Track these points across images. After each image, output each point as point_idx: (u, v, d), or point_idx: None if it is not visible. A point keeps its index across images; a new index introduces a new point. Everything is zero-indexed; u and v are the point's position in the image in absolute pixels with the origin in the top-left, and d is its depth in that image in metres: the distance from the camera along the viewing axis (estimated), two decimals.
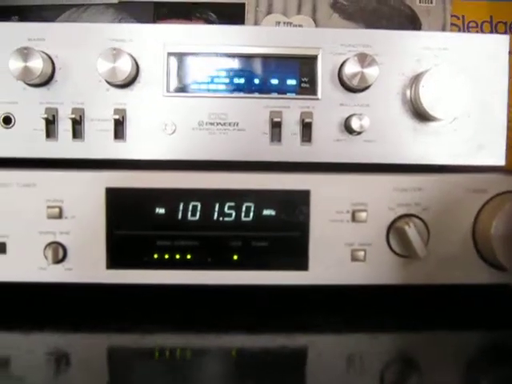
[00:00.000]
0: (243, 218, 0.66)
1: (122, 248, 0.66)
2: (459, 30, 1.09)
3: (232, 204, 0.66)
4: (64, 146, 0.69)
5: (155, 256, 0.66)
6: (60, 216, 0.65)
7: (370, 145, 0.70)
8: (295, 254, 0.67)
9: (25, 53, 0.65)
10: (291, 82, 0.70)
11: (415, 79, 0.70)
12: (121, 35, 0.69)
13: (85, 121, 0.69)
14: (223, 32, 0.70)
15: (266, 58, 0.70)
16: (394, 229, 0.66)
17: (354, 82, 0.68)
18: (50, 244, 0.65)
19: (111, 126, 0.69)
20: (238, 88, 0.70)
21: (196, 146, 0.70)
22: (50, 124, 0.69)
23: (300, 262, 0.67)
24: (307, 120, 0.69)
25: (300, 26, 1.05)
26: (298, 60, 0.70)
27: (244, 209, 0.66)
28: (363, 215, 0.66)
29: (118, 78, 0.67)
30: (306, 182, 0.67)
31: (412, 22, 1.06)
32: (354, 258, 0.67)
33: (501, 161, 0.72)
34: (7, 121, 0.68)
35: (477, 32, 1.09)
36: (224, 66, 0.70)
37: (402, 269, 0.67)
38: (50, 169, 0.67)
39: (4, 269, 0.66)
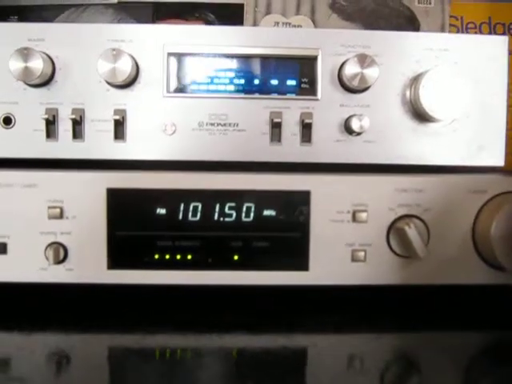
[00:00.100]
0: (244, 219, 0.66)
1: (123, 248, 0.66)
2: (458, 31, 1.09)
3: (233, 204, 0.66)
4: (64, 147, 0.69)
5: (156, 256, 0.66)
6: (61, 216, 0.65)
7: (369, 145, 0.70)
8: (296, 254, 0.67)
9: (25, 53, 0.65)
10: (291, 82, 0.70)
11: (415, 80, 0.70)
12: (121, 36, 0.69)
13: (85, 121, 0.69)
14: (223, 32, 0.70)
15: (266, 58, 0.70)
16: (395, 229, 0.66)
17: (354, 83, 0.68)
18: (50, 244, 0.65)
19: (111, 126, 0.69)
20: (238, 89, 0.70)
21: (196, 146, 0.70)
22: (50, 124, 0.69)
23: (300, 262, 0.67)
24: (307, 120, 0.69)
25: (299, 26, 1.05)
26: (297, 61, 0.70)
27: (244, 209, 0.66)
28: (364, 215, 0.66)
29: (118, 79, 0.67)
30: (306, 183, 0.67)
31: (410, 23, 1.06)
32: (355, 259, 0.67)
33: (500, 161, 0.72)
34: (7, 121, 0.68)
35: (475, 33, 1.09)
36: (224, 66, 0.70)
37: (403, 269, 0.67)
38: (51, 169, 0.67)
39: (5, 269, 0.66)
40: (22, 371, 0.55)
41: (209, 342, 0.62)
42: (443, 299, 0.73)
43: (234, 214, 0.66)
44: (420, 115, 0.70)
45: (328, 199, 0.67)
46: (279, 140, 0.70)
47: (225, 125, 0.70)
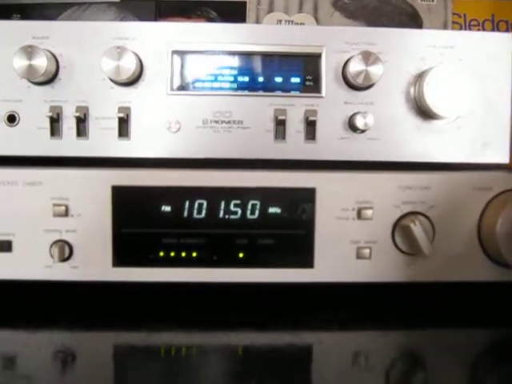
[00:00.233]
0: (249, 216, 0.66)
1: (128, 246, 0.66)
2: (461, 28, 1.09)
3: (238, 202, 0.66)
4: (68, 145, 0.69)
5: (161, 254, 0.66)
6: (66, 214, 0.65)
7: (373, 143, 0.70)
8: (301, 251, 0.67)
9: (29, 51, 0.65)
10: (295, 80, 0.70)
11: (419, 77, 0.70)
12: (125, 33, 0.69)
13: (89, 119, 0.69)
14: (228, 30, 0.70)
15: (270, 56, 0.70)
16: (400, 226, 0.66)
17: (359, 80, 0.68)
18: (55, 242, 0.65)
19: (115, 124, 0.69)
20: (243, 86, 0.70)
21: (200, 144, 0.70)
22: (55, 122, 0.69)
23: (305, 259, 0.67)
24: (311, 118, 0.69)
25: (301, 24, 1.05)
26: (302, 58, 0.70)
27: (250, 207, 0.66)
28: (369, 213, 0.66)
29: (122, 77, 0.67)
30: (311, 180, 0.67)
31: (413, 20, 1.06)
32: (360, 256, 0.67)
33: (505, 158, 0.72)
34: (12, 119, 0.68)
35: (478, 30, 1.09)
36: (228, 64, 0.70)
37: (408, 266, 0.67)
38: (56, 167, 0.67)
39: (10, 267, 0.66)
40: (27, 369, 0.55)
41: (214, 339, 0.63)
42: (449, 296, 0.73)
43: (239, 212, 0.66)
44: (424, 112, 0.70)
45: (333, 196, 0.67)
46: (283, 137, 0.70)
47: (229, 122, 0.70)
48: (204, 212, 0.66)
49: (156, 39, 0.69)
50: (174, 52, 0.69)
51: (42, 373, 0.54)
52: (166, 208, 0.66)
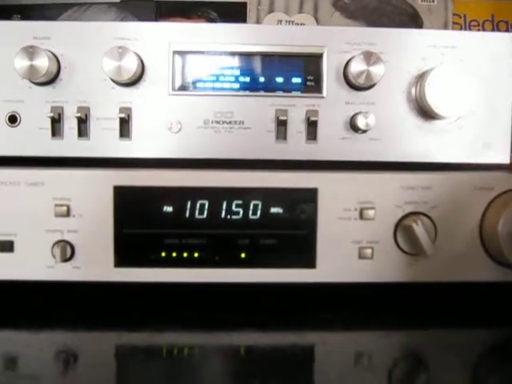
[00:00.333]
0: (251, 216, 0.66)
1: (130, 246, 0.66)
2: (461, 29, 1.09)
3: (240, 202, 0.66)
4: (69, 145, 0.69)
5: (163, 254, 0.66)
6: (68, 214, 0.65)
7: (375, 143, 0.70)
8: (303, 251, 0.67)
9: (30, 51, 0.65)
10: (296, 80, 0.70)
11: (420, 77, 0.70)
12: (126, 34, 0.69)
13: (90, 119, 0.69)
14: (229, 30, 0.70)
15: (271, 56, 0.70)
16: (402, 227, 0.66)
17: (360, 81, 0.68)
18: (57, 242, 0.65)
19: (117, 124, 0.69)
20: (244, 86, 0.70)
21: (201, 144, 0.70)
22: (56, 123, 0.69)
23: (308, 259, 0.67)
24: (313, 118, 0.69)
25: (302, 24, 1.05)
26: (303, 58, 0.70)
27: (252, 207, 0.66)
28: (371, 213, 0.66)
29: (123, 77, 0.67)
30: (313, 180, 0.67)
31: (413, 21, 1.06)
32: (362, 256, 0.67)
33: (506, 159, 0.72)
34: (13, 119, 0.68)
35: (478, 30, 1.09)
36: (229, 64, 0.70)
37: (410, 267, 0.67)
38: (58, 167, 0.67)
39: (12, 267, 0.66)
40: (29, 369, 0.55)
41: (217, 339, 0.63)
42: (451, 297, 0.73)
43: (241, 212, 0.66)
44: (426, 112, 0.70)
45: (335, 197, 0.67)
46: (285, 138, 0.70)
47: (230, 122, 0.70)
48: (206, 212, 0.66)
49: (157, 39, 0.69)
50: (176, 52, 0.69)
51: (45, 373, 0.54)
52: (168, 208, 0.66)
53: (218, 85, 0.70)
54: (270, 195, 0.66)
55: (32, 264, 0.66)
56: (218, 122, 0.70)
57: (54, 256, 0.65)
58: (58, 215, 0.65)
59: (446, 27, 1.06)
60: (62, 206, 0.65)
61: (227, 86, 0.70)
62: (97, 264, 0.66)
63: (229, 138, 0.70)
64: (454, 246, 0.67)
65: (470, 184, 0.67)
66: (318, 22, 1.05)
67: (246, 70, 0.70)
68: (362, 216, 0.67)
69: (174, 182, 0.66)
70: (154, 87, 0.69)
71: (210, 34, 0.70)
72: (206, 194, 0.66)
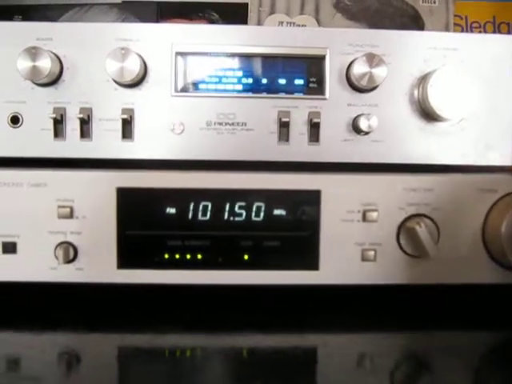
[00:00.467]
0: (254, 218, 0.66)
1: (133, 248, 0.66)
2: (462, 30, 1.09)
3: (243, 204, 0.66)
4: (72, 146, 0.69)
5: (166, 256, 0.66)
6: (71, 216, 0.65)
7: (377, 145, 0.70)
8: (306, 253, 0.67)
9: (33, 52, 0.65)
10: (299, 81, 0.70)
11: (423, 79, 0.70)
12: (129, 35, 0.69)
13: (93, 120, 0.69)
14: (232, 32, 0.70)
15: (274, 57, 0.70)
16: (405, 229, 0.66)
17: (363, 83, 0.68)
18: (60, 244, 0.65)
19: (119, 125, 0.69)
20: (246, 88, 0.70)
21: (204, 145, 0.70)
22: (58, 123, 0.68)
23: (311, 261, 0.67)
24: (315, 120, 0.69)
25: (303, 25, 1.05)
26: (305, 60, 0.70)
27: (254, 209, 0.66)
28: (374, 215, 0.66)
29: (126, 78, 0.67)
30: (316, 182, 0.67)
31: (415, 22, 1.06)
32: (365, 258, 0.67)
33: (508, 161, 0.72)
34: (15, 120, 0.68)
35: (480, 32, 1.09)
36: (232, 65, 0.70)
37: (413, 268, 0.68)
38: (61, 168, 0.67)
39: (15, 268, 0.66)
40: (32, 370, 0.55)
41: (219, 341, 0.63)
42: (453, 298, 0.73)
43: (244, 214, 0.66)
44: (428, 114, 0.70)
45: (338, 198, 0.67)
46: (287, 139, 0.70)
47: (233, 124, 0.70)
48: (209, 214, 0.66)
49: (160, 41, 0.69)
50: (178, 53, 0.69)
51: (47, 374, 0.54)
52: (171, 210, 0.66)
53: (220, 86, 0.70)
54: (272, 197, 0.66)
55: (35, 265, 0.66)
56: (220, 124, 0.70)
57: (56, 257, 0.65)
58: (60, 217, 0.65)
59: (447, 28, 1.06)
60: (65, 207, 0.65)
61: (230, 87, 0.70)
62: (100, 265, 0.66)
63: (231, 140, 0.70)
64: (457, 248, 0.68)
65: (472, 186, 0.67)
66: (319, 23, 1.05)
67: (249, 72, 0.70)
68: (364, 218, 0.67)
69: (176, 184, 0.66)
70: (157, 88, 0.69)
71: (213, 35, 0.70)
72: (209, 195, 0.66)
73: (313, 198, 0.66)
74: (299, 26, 1.05)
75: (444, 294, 0.72)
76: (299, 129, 0.70)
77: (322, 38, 0.70)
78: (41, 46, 0.66)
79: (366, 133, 0.69)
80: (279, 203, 0.66)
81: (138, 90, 0.69)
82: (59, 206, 0.65)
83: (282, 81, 0.70)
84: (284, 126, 0.70)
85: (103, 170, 0.66)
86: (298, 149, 0.70)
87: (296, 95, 0.70)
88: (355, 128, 0.70)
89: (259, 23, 1.05)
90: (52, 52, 0.67)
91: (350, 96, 0.70)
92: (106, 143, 0.69)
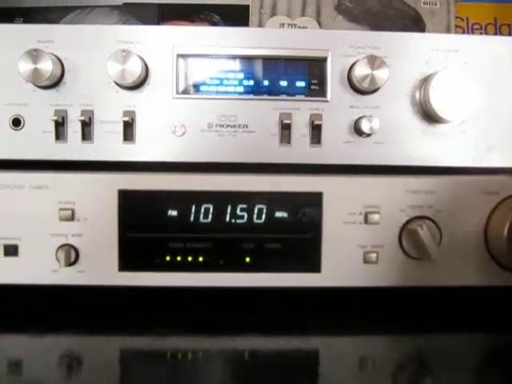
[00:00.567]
0: (255, 220, 0.66)
1: (134, 250, 0.66)
2: (463, 32, 1.09)
3: (244, 206, 0.66)
4: (73, 148, 0.69)
5: (167, 258, 0.66)
6: (72, 218, 0.65)
7: (379, 147, 0.70)
8: (308, 256, 0.67)
9: (34, 55, 0.65)
10: (300, 83, 0.70)
11: (424, 81, 0.70)
12: (130, 37, 0.69)
13: (94, 123, 0.69)
14: (233, 34, 0.70)
15: (275, 59, 0.70)
16: (407, 231, 0.66)
17: (364, 84, 0.68)
18: (62, 246, 0.65)
19: (120, 127, 0.69)
20: (248, 90, 0.70)
21: (205, 147, 0.70)
22: (60, 126, 0.68)
23: (312, 263, 0.67)
24: (317, 122, 0.69)
25: (304, 27, 1.05)
26: (307, 62, 0.70)
27: (256, 211, 0.66)
28: (376, 217, 0.66)
29: (127, 80, 0.66)
30: (318, 184, 0.67)
31: (416, 24, 1.06)
32: (367, 260, 0.67)
33: (510, 162, 0.72)
34: (17, 123, 0.68)
35: (481, 34, 1.09)
36: (233, 67, 0.70)
37: (415, 271, 0.67)
38: (62, 171, 0.67)
39: (16, 271, 0.66)
40: (34, 373, 0.55)
41: (221, 343, 0.62)
42: (456, 301, 0.73)
43: (246, 216, 0.66)
44: (430, 116, 0.70)
45: (340, 201, 0.67)
46: (289, 141, 0.70)
47: (234, 126, 0.70)
48: (210, 216, 0.66)
49: (161, 43, 0.69)
50: (179, 56, 0.69)
51: (49, 377, 0.54)
52: (173, 212, 0.66)
53: (221, 88, 0.70)
54: (274, 199, 0.66)
55: (36, 268, 0.66)
56: (221, 126, 0.70)
57: (58, 260, 0.65)
58: (62, 219, 0.65)
59: (448, 30, 1.05)
60: (66, 209, 0.65)
61: (231, 89, 0.70)
62: (101, 268, 0.66)
63: (233, 142, 0.70)
64: (459, 250, 0.67)
65: (474, 188, 0.67)
66: (320, 25, 1.05)
67: (250, 74, 0.70)
68: (366, 220, 0.67)
69: (178, 186, 0.66)
70: (158, 91, 0.69)
71: (214, 37, 0.70)
72: (211, 197, 0.66)
73: (315, 200, 0.66)
74: (300, 27, 1.05)
75: (446, 296, 0.72)
76: (301, 131, 0.70)
77: (324, 40, 0.70)
78: (42, 48, 0.66)
79: (368, 135, 0.69)
80: (281, 205, 0.66)
81: (139, 93, 0.69)
82: (61, 209, 0.65)
83: (284, 83, 0.70)
84: (285, 128, 0.70)
85: (104, 173, 0.66)
86: (300, 151, 0.70)
87: (297, 97, 0.70)
88: (357, 130, 0.70)
89: (260, 25, 1.05)
90: (53, 54, 0.67)
91: (352, 98, 0.70)
92: (108, 145, 0.69)
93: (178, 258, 0.66)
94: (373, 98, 0.70)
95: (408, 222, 0.67)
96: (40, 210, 0.65)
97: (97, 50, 0.68)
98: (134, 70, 0.66)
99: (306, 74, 0.70)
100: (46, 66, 0.65)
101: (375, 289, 0.68)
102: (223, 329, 0.65)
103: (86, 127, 0.69)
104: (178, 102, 0.69)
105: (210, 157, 0.70)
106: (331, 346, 0.63)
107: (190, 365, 0.59)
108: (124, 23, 1.08)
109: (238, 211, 0.66)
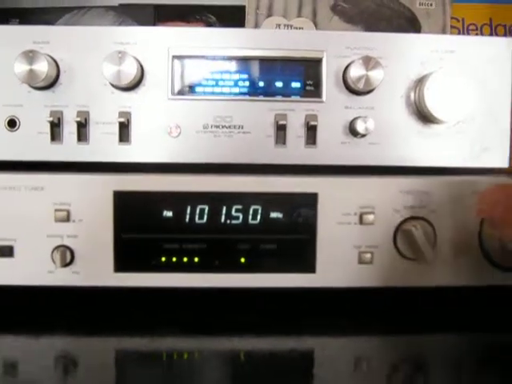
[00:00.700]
0: (251, 221, 0.66)
1: (130, 251, 0.66)
2: (459, 33, 1.09)
3: (239, 207, 0.66)
4: (69, 149, 0.69)
5: (163, 259, 0.66)
6: (68, 219, 0.65)
7: (374, 147, 0.71)
8: (303, 256, 0.67)
9: (30, 56, 0.65)
10: (296, 84, 0.70)
11: (419, 82, 0.70)
12: (126, 38, 0.69)
13: (90, 124, 0.69)
14: (228, 35, 0.70)
15: (270, 60, 0.70)
16: (401, 231, 0.67)
17: (359, 85, 0.68)
18: (57, 247, 0.65)
19: (116, 128, 0.69)
20: (243, 91, 0.70)
21: (201, 148, 0.70)
22: (55, 127, 0.69)
23: (307, 264, 0.67)
24: (312, 123, 0.69)
25: (300, 28, 1.05)
26: (302, 63, 0.70)
27: (251, 212, 0.66)
28: (371, 218, 0.66)
29: (123, 81, 0.67)
30: (313, 185, 0.67)
31: (412, 25, 1.06)
32: (362, 261, 0.67)
33: (505, 163, 0.72)
34: (12, 124, 0.68)
35: (476, 34, 1.09)
36: (229, 68, 0.70)
37: (409, 271, 0.68)
38: (58, 172, 0.67)
39: (12, 272, 0.66)
40: (30, 374, 0.55)
41: (216, 344, 0.63)
42: (450, 301, 0.73)
43: (241, 217, 0.66)
44: (425, 117, 0.70)
45: (335, 201, 0.67)
46: (284, 142, 0.70)
47: (230, 127, 0.70)
48: (206, 217, 0.66)
49: (156, 44, 0.69)
50: (175, 57, 0.69)
51: (44, 378, 0.54)
52: (168, 213, 0.66)
53: (217, 89, 0.70)
54: (269, 200, 0.66)
55: (32, 269, 0.66)
56: (217, 127, 0.70)
57: (53, 261, 0.65)
58: (57, 220, 0.65)
59: (444, 31, 1.05)
60: (61, 210, 0.65)
61: (227, 90, 0.70)
62: (96, 269, 0.66)
63: (228, 143, 0.70)
64: (454, 250, 0.67)
65: (469, 188, 0.67)
66: (316, 26, 1.05)
67: (246, 75, 0.70)
68: (361, 221, 0.67)
69: (173, 187, 0.66)
70: (154, 91, 0.69)
71: (210, 38, 0.70)
72: (206, 198, 0.66)
73: (310, 200, 0.66)
74: (296, 28, 1.05)
75: (441, 296, 0.72)
76: (296, 132, 0.70)
77: (319, 41, 0.70)
78: (37, 49, 0.67)
79: (363, 135, 0.70)
80: (276, 206, 0.66)
81: (134, 94, 0.69)
82: (56, 210, 0.65)
83: (279, 84, 0.70)
84: (281, 129, 0.70)
85: (100, 174, 0.66)
86: (295, 152, 0.70)
87: (293, 98, 0.70)
88: (352, 131, 0.70)
89: (256, 26, 1.05)
90: (49, 55, 0.67)
91: (347, 99, 0.70)
92: (103, 146, 0.69)
93: (174, 259, 0.66)
94: (368, 98, 0.70)
95: (402, 222, 0.67)
96: (35, 211, 0.65)
97: (92, 51, 0.69)
98: (130, 71, 0.66)
99: (301, 75, 0.70)
100: (42, 67, 0.65)
101: (370, 289, 0.68)
102: (219, 329, 0.65)
103: (82, 128, 0.69)
104: (173, 103, 0.70)
105: (206, 158, 0.70)
106: (326, 347, 0.63)
107: (185, 365, 0.59)
108: (120, 24, 1.08)
109: (234, 212, 0.66)
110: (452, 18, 1.07)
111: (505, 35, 1.09)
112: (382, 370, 0.59)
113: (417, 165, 0.71)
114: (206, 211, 0.66)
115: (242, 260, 0.67)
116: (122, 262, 0.66)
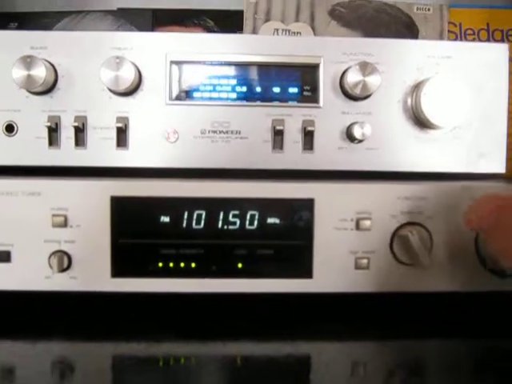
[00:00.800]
0: (248, 227, 0.66)
1: (127, 256, 0.66)
2: (456, 38, 1.09)
3: (236, 212, 0.66)
4: (66, 154, 0.69)
5: (160, 264, 0.66)
6: (65, 224, 0.65)
7: (371, 153, 0.71)
8: (299, 262, 0.67)
9: (28, 61, 0.65)
10: (293, 90, 0.71)
11: (416, 87, 0.70)
12: (123, 43, 0.69)
13: (87, 129, 0.69)
14: (226, 40, 0.71)
15: (268, 66, 0.71)
16: (398, 237, 0.67)
17: (356, 91, 0.68)
18: (54, 253, 0.65)
19: (114, 134, 0.69)
20: (241, 96, 0.70)
21: (198, 154, 0.70)
22: (53, 132, 0.69)
23: (304, 270, 0.67)
24: (309, 128, 0.69)
25: (298, 33, 1.05)
26: (299, 68, 0.71)
27: (248, 217, 0.66)
28: (367, 223, 0.66)
29: (120, 87, 0.67)
30: (310, 191, 0.67)
31: (409, 30, 1.06)
32: (358, 266, 0.67)
33: (501, 168, 0.72)
34: (10, 129, 0.68)
35: (474, 39, 1.09)
36: (226, 74, 0.70)
37: (406, 277, 0.68)
38: (55, 177, 0.67)
39: (9, 277, 0.65)
40: (26, 380, 0.55)
41: (213, 349, 0.63)
42: (446, 306, 0.73)
43: (238, 222, 0.66)
44: (421, 122, 0.70)
45: (331, 207, 0.67)
46: (281, 147, 0.70)
47: (227, 132, 0.70)
48: (203, 222, 0.66)
49: (154, 49, 0.70)
50: (173, 62, 0.70)
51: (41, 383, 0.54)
52: (165, 218, 0.66)
53: (214, 94, 0.70)
54: (266, 205, 0.66)
55: (29, 274, 0.65)
56: (214, 132, 0.70)
57: (51, 266, 0.65)
58: (55, 225, 0.65)
59: (441, 36, 1.05)
60: (59, 216, 0.65)
61: (224, 95, 0.70)
62: (94, 274, 0.66)
63: (226, 148, 0.70)
64: (450, 256, 0.67)
65: (466, 194, 0.67)
66: (314, 30, 1.05)
67: (243, 80, 0.70)
68: (358, 226, 0.67)
69: (171, 192, 0.66)
70: (151, 97, 0.70)
71: (207, 44, 0.70)
72: (203, 204, 0.66)
73: (306, 206, 0.66)
74: (294, 33, 1.05)
75: (437, 301, 0.72)
76: (293, 137, 0.70)
77: (316, 47, 0.71)
78: (35, 54, 0.67)
79: (360, 141, 0.70)
80: (273, 212, 0.66)
81: (132, 99, 0.69)
82: (53, 215, 0.65)
83: (276, 89, 0.71)
84: (278, 134, 0.70)
85: (97, 179, 0.66)
86: (292, 157, 0.70)
87: (290, 103, 0.70)
88: (349, 136, 0.70)
89: (254, 30, 1.05)
90: (47, 60, 0.68)
91: (344, 104, 0.71)
92: (101, 152, 0.69)
93: (171, 264, 0.66)
94: (365, 104, 0.71)
95: (399, 228, 0.67)
96: (33, 216, 0.65)
97: (90, 56, 0.69)
98: (128, 76, 0.67)
99: (298, 81, 0.71)
100: (40, 73, 0.66)
101: (366, 294, 0.68)
102: (215, 335, 0.65)
103: (80, 133, 0.69)
104: (171, 109, 0.70)
105: (203, 163, 0.70)
106: (322, 352, 0.63)
107: (182, 371, 0.59)
108: (118, 28, 1.08)
109: (231, 217, 0.66)
110: (449, 22, 1.07)
111: (502, 40, 1.09)
112: (378, 375, 0.59)
113: (413, 170, 0.71)
114: (203, 216, 0.66)
115: (239, 265, 0.67)
116: (119, 268, 0.66)
